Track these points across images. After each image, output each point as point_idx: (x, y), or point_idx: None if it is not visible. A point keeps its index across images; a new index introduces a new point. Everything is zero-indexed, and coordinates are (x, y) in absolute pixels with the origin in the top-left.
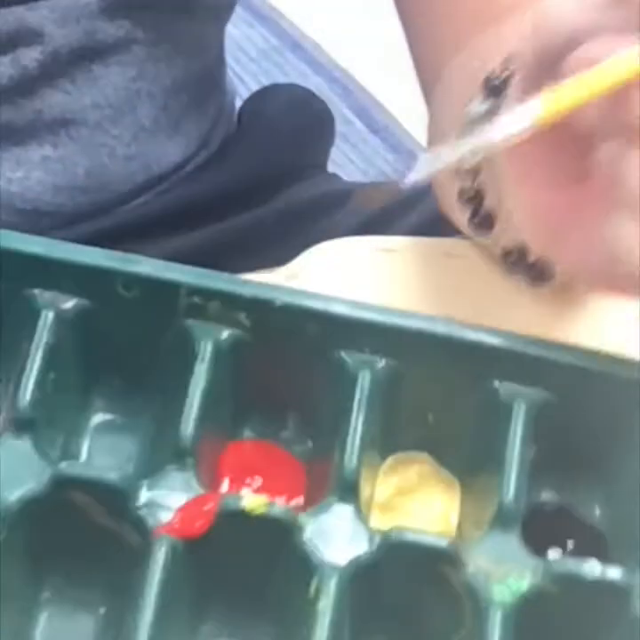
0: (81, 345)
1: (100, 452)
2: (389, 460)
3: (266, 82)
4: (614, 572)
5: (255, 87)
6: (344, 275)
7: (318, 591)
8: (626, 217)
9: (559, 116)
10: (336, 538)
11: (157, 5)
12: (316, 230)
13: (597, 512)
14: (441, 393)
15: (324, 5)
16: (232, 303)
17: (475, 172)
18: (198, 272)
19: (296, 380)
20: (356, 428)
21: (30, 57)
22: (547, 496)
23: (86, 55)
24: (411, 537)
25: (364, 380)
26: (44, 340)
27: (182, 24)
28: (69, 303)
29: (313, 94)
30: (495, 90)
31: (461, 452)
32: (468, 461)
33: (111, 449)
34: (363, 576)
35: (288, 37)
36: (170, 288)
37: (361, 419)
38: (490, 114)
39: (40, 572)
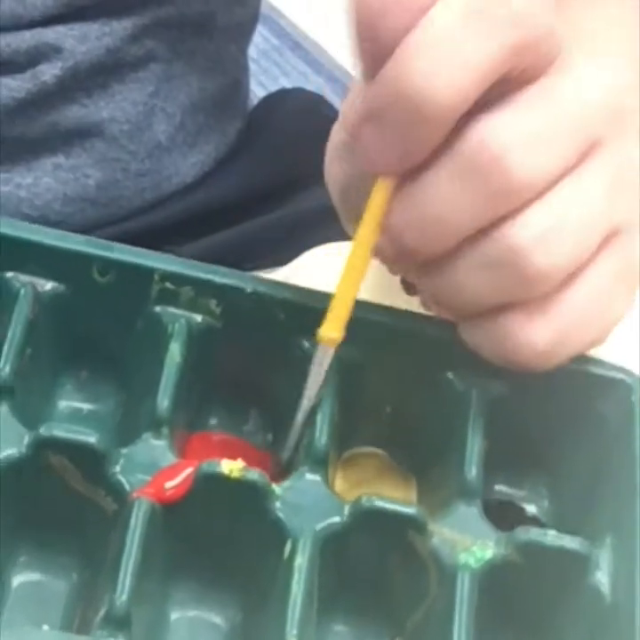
0: (55, 327)
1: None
2: (346, 455)
3: (266, 82)
4: (573, 542)
5: (255, 87)
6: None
7: (294, 551)
8: None
9: (342, 327)
10: (308, 506)
11: (179, 26)
12: (324, 237)
13: (546, 505)
14: (399, 385)
15: (324, 5)
16: (203, 289)
17: None
18: (172, 259)
19: (263, 367)
20: (324, 409)
21: (50, 73)
22: (498, 488)
23: (104, 71)
24: (380, 504)
25: (330, 367)
26: (23, 315)
27: (198, 43)
28: (46, 286)
29: (321, 98)
30: None
31: (418, 448)
32: (425, 456)
33: (83, 425)
34: (334, 543)
35: (288, 37)
36: (144, 273)
37: (329, 400)
38: None
39: (16, 536)
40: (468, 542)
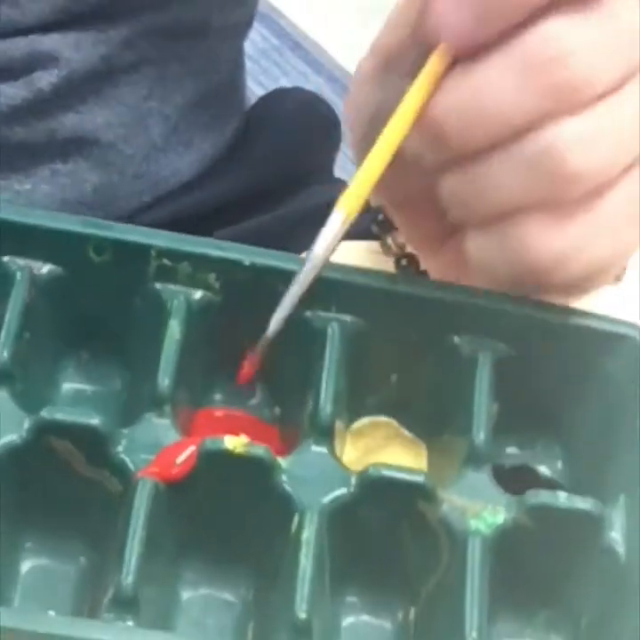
0: (54, 309)
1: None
2: (355, 425)
3: (266, 82)
4: (585, 503)
5: (255, 87)
6: None
7: (301, 524)
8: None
9: (363, 201)
10: (315, 478)
11: (174, 31)
12: None
13: (559, 467)
14: (404, 352)
15: (323, 5)
16: (201, 264)
17: None
18: (168, 235)
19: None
20: (328, 374)
21: (46, 80)
22: (510, 452)
23: (98, 77)
24: (388, 473)
25: (333, 336)
26: (20, 300)
27: (192, 44)
28: (42, 269)
29: (319, 98)
30: None
31: (426, 413)
32: (433, 422)
33: (84, 408)
34: (342, 514)
35: (288, 37)
36: (140, 251)
37: (333, 370)
38: None
39: (22, 522)
40: (478, 508)
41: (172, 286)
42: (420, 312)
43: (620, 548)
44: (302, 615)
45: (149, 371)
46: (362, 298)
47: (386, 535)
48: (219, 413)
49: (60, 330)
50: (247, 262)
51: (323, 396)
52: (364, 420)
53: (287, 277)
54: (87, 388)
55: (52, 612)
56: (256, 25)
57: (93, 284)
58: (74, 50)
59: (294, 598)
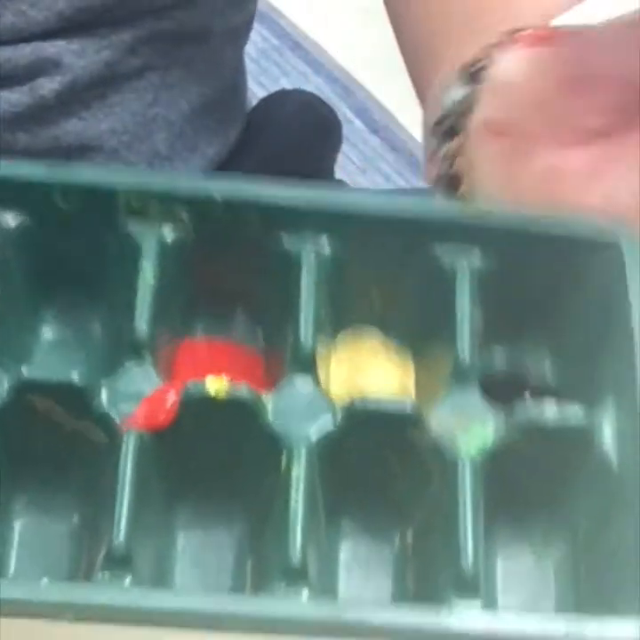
0: (27, 262)
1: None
2: (339, 338)
3: (266, 82)
4: (574, 412)
5: (255, 87)
6: None
7: (290, 462)
8: None
9: None
10: (301, 412)
11: (176, 36)
12: None
13: (549, 372)
14: (383, 269)
15: (323, 5)
16: (171, 201)
17: None
18: (136, 172)
19: (242, 272)
20: (307, 304)
21: (48, 87)
22: (498, 361)
23: (102, 83)
24: (374, 405)
25: (309, 262)
26: None
27: (195, 49)
28: (10, 220)
29: (320, 100)
30: (473, 76)
31: (410, 330)
32: (418, 332)
33: (62, 362)
34: (330, 448)
35: (288, 37)
36: (108, 193)
37: (312, 294)
38: (467, 100)
39: (12, 483)
40: (466, 428)
41: (143, 227)
42: (397, 229)
43: (613, 456)
44: (296, 557)
45: (126, 316)
46: (336, 219)
47: (376, 465)
48: (201, 345)
49: (34, 282)
50: (219, 198)
51: (303, 327)
52: (348, 332)
53: (261, 210)
54: (67, 339)
55: (45, 579)
56: (256, 25)
57: (64, 232)
58: (77, 56)
59: (288, 540)
